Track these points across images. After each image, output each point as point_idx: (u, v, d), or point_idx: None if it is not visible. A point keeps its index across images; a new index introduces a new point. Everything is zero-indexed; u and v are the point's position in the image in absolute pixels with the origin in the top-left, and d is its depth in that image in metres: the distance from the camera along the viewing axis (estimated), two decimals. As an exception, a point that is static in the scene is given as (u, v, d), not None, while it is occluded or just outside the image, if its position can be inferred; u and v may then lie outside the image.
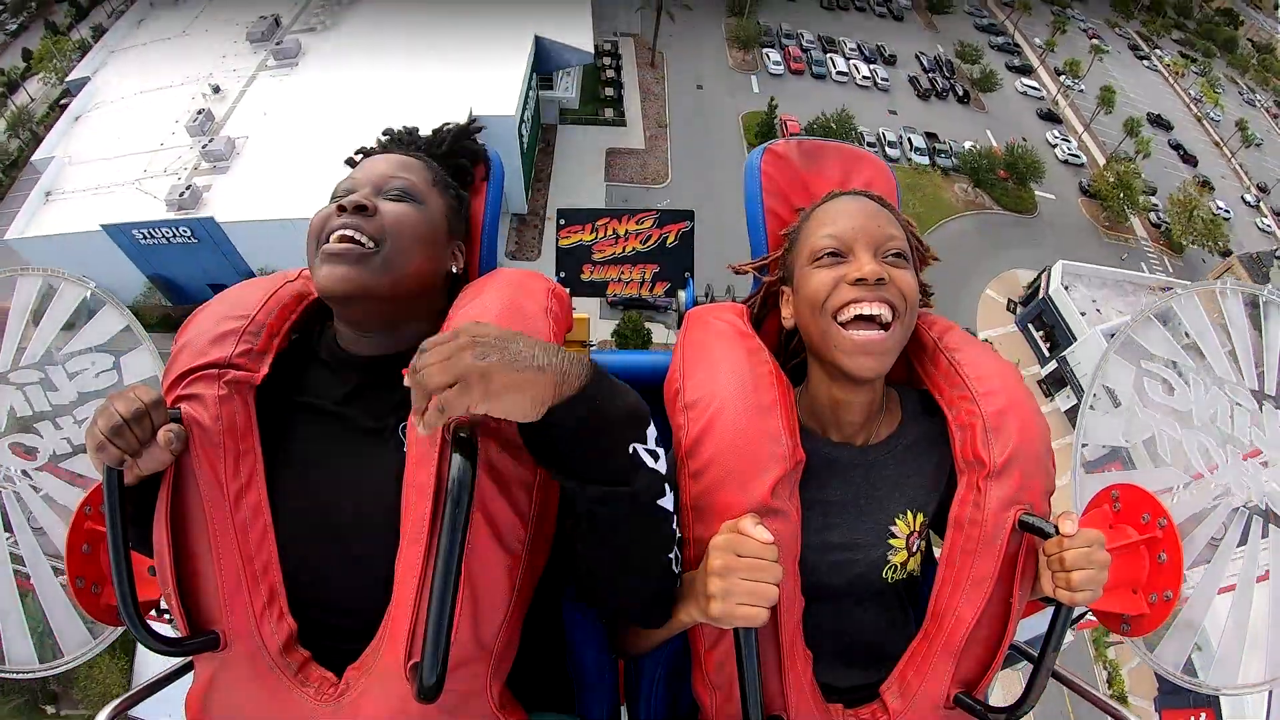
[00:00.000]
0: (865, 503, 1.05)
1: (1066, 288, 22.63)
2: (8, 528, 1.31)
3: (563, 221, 1.77)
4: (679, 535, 0.90)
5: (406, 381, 0.72)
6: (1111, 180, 30.13)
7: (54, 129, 23.52)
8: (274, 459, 0.95)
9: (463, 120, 1.27)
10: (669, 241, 1.78)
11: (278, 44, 23.94)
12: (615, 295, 1.78)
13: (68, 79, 26.85)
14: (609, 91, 29.86)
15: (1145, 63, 47.53)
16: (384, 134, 1.22)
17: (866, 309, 0.98)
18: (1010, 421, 1.01)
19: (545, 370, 0.73)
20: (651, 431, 0.83)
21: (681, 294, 1.74)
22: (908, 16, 43.04)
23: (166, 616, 1.25)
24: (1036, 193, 30.31)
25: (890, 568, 1.05)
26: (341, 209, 0.97)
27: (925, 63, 37.90)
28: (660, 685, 1.22)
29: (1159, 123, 39.84)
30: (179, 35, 26.75)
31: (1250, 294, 1.33)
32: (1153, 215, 31.80)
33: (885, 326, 0.99)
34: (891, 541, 1.05)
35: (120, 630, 1.31)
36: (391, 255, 0.96)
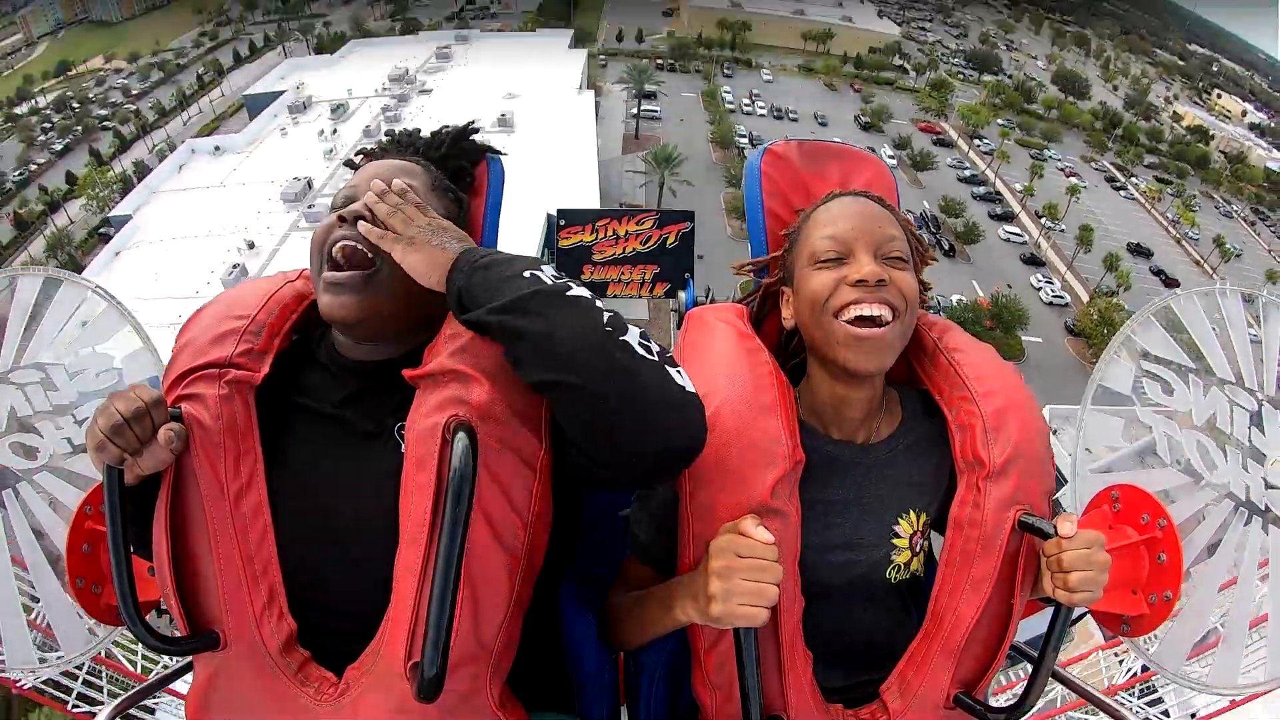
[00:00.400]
0: (868, 502, 1.05)
1: (1055, 431, 22.94)
2: (8, 528, 1.31)
3: (563, 222, 1.77)
4: (639, 331, 0.85)
5: (375, 191, 0.94)
6: (1095, 318, 31.12)
7: (94, 260, 24.88)
8: (273, 459, 0.95)
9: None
10: (669, 242, 1.78)
11: (309, 207, 24.81)
12: (615, 296, 1.78)
13: (110, 213, 28.80)
14: (616, 263, 31.00)
15: (1122, 193, 49.37)
16: (385, 135, 1.22)
17: (867, 310, 0.98)
18: (1010, 422, 1.01)
19: (445, 251, 0.90)
20: (550, 268, 0.87)
21: (681, 294, 1.74)
22: (894, 176, 44.50)
23: (168, 617, 1.25)
24: (1023, 338, 31.18)
25: (894, 568, 1.05)
26: (343, 219, 0.96)
27: (912, 220, 38.92)
28: (660, 685, 1.22)
29: (1139, 251, 41.64)
30: (218, 185, 28.29)
31: (1249, 294, 1.33)
32: (1138, 346, 33.47)
33: (885, 326, 0.99)
34: (895, 542, 1.05)
35: (120, 630, 1.31)
36: (391, 268, 0.95)
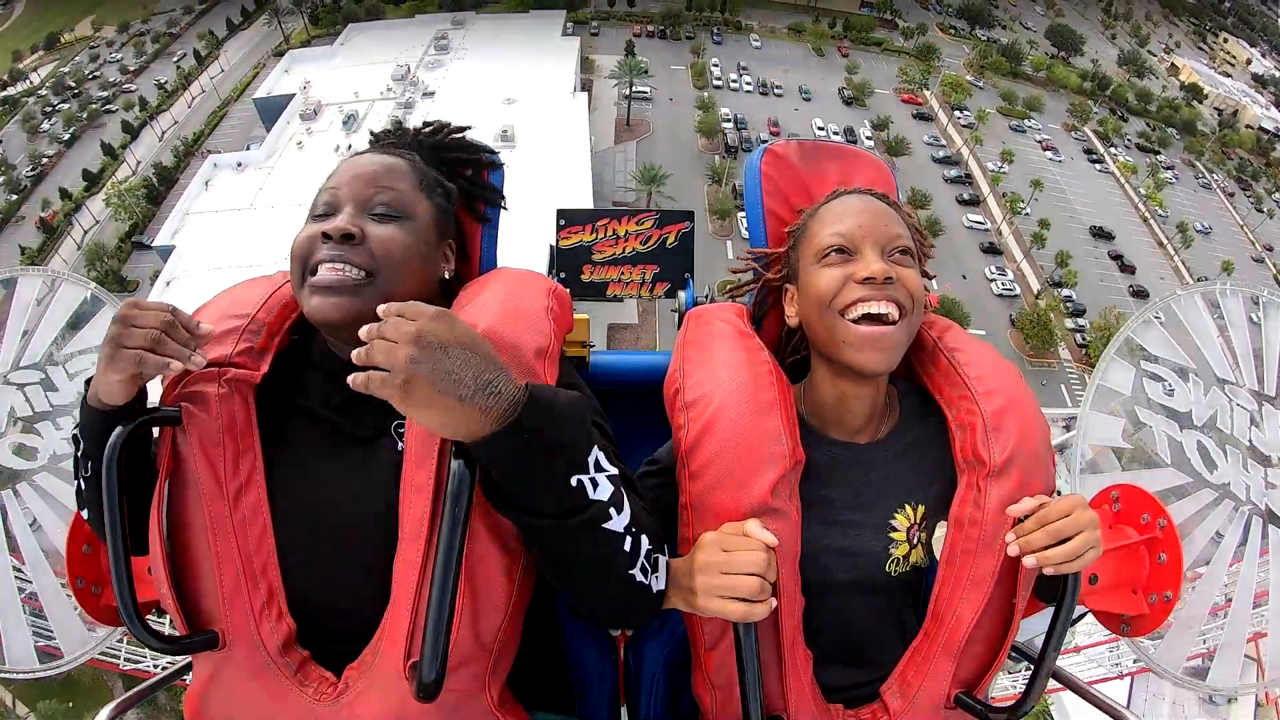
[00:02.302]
0: (867, 499, 1.05)
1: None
2: (8, 528, 1.31)
3: (563, 222, 1.76)
4: (647, 547, 0.86)
5: (362, 334, 0.72)
6: (1031, 319, 32.27)
7: (151, 293, 26.41)
8: (272, 459, 0.95)
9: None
10: (669, 242, 1.78)
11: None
12: (615, 296, 1.78)
13: (155, 244, 30.66)
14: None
15: (1098, 166, 48.39)
16: (372, 135, 1.18)
17: (874, 308, 0.98)
18: (1010, 421, 1.01)
19: (466, 404, 0.70)
20: (594, 456, 0.78)
21: (681, 294, 1.74)
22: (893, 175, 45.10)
23: (168, 617, 1.26)
24: (969, 331, 32.60)
25: (892, 561, 1.05)
26: (326, 236, 0.93)
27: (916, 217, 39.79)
28: (660, 685, 1.22)
29: (1101, 234, 41.55)
30: (247, 207, 30.16)
31: (1250, 294, 1.33)
32: (1079, 336, 33.87)
33: (893, 324, 0.99)
34: (892, 535, 1.05)
35: (120, 630, 1.31)
36: (385, 285, 0.93)
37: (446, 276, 1.06)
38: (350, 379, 0.72)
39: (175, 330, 0.85)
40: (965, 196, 42.09)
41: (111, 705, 1.10)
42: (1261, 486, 1.26)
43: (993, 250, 38.66)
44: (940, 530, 1.03)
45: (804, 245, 1.08)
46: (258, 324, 1.00)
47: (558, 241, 1.76)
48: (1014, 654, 1.15)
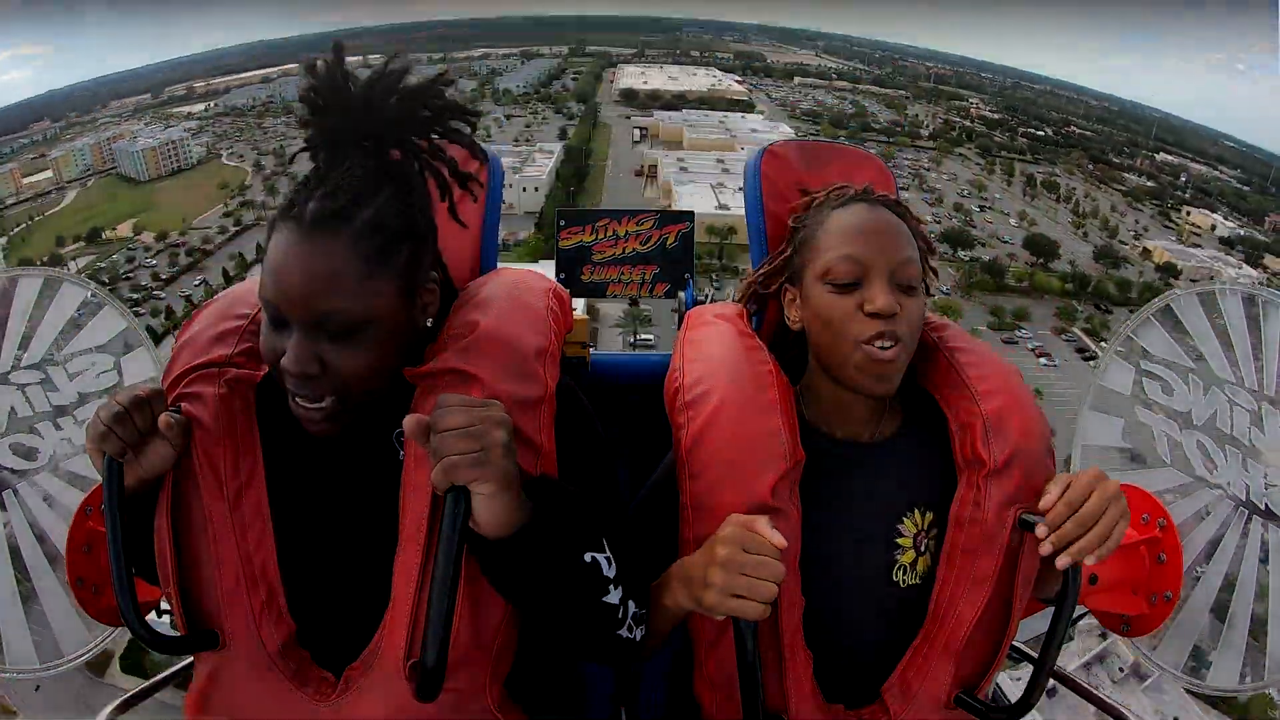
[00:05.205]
0: (872, 500, 1.05)
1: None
2: (8, 528, 1.31)
3: (563, 223, 1.77)
4: (636, 610, 0.91)
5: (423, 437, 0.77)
6: None
7: None
8: (272, 459, 0.95)
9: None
10: (669, 243, 1.78)
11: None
12: (615, 296, 1.79)
13: None
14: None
15: (1091, 363, 48.39)
16: (293, 203, 0.84)
17: (880, 341, 0.98)
18: (1011, 420, 1.01)
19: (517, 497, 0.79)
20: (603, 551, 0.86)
21: (681, 294, 1.74)
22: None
23: (168, 618, 1.26)
24: None
25: (899, 568, 1.04)
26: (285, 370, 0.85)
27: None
28: (660, 686, 1.22)
29: None
30: None
31: (1249, 294, 1.33)
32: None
33: (893, 348, 0.98)
34: (899, 541, 1.04)
35: (120, 630, 1.31)
36: (359, 397, 0.88)
37: (428, 324, 0.95)
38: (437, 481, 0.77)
39: (128, 421, 0.85)
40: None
41: (111, 705, 1.10)
42: (1261, 486, 1.26)
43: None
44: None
45: (810, 252, 1.05)
46: (258, 324, 1.00)
47: (558, 242, 1.76)
48: (1014, 654, 1.15)
